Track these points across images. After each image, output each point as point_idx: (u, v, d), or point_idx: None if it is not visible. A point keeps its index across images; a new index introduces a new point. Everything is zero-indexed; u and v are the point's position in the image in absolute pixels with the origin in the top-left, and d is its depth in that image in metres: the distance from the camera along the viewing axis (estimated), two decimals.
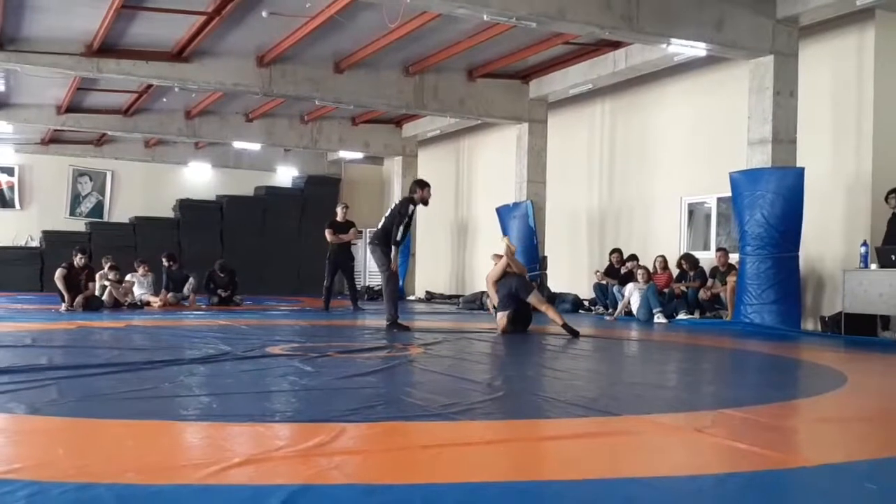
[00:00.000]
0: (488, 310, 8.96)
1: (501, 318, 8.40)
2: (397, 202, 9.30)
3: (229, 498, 2.43)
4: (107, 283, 12.20)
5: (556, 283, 14.06)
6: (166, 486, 2.53)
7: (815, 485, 2.77)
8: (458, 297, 16.84)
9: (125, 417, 3.64)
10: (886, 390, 5.42)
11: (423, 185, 9.15)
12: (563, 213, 15.00)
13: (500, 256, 8.80)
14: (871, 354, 7.45)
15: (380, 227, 9.10)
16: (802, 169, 9.58)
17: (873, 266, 8.83)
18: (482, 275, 16.88)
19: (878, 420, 4.15)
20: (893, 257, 8.54)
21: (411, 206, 8.87)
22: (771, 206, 9.56)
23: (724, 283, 10.84)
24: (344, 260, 12.50)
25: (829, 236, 10.36)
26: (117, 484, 2.50)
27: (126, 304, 12.31)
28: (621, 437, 3.47)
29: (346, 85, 13.66)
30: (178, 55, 12.37)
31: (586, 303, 13.61)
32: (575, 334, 8.05)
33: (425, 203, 9.06)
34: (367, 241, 9.55)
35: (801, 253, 9.75)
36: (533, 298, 8.45)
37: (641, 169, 13.67)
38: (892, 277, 8.51)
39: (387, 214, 9.13)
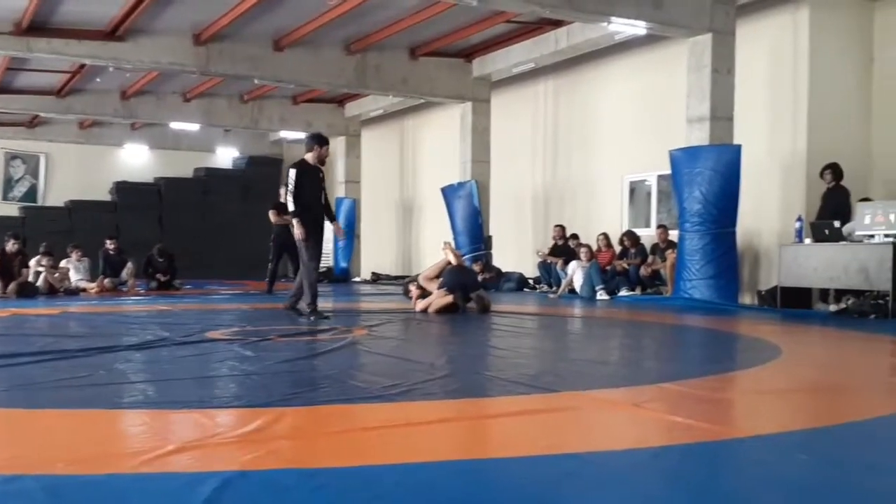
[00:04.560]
0: (410, 298, 9.10)
1: (442, 295, 8.45)
2: None
3: (162, 486, 2.38)
4: (41, 269, 11.87)
5: (501, 263, 14.12)
6: (98, 475, 2.47)
7: (748, 456, 2.83)
8: (404, 277, 16.79)
9: (58, 406, 3.55)
10: (820, 362, 5.57)
11: (320, 141, 7.90)
12: (508, 192, 15.04)
13: (452, 250, 9.22)
14: (805, 327, 7.65)
15: None
16: (739, 146, 9.75)
17: (808, 240, 9.05)
18: (428, 255, 16.93)
19: (811, 391, 4.25)
20: (827, 231, 8.75)
21: (292, 171, 7.74)
22: (709, 182, 9.72)
23: (665, 260, 11.01)
24: (289, 241, 12.31)
25: (765, 212, 10.58)
26: (46, 475, 2.43)
27: (62, 290, 12.00)
28: (561, 413, 3.50)
29: (286, 63, 13.45)
30: (112, 34, 12.02)
31: (531, 281, 13.71)
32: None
33: (321, 162, 7.89)
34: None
35: (739, 229, 9.94)
36: (477, 299, 8.60)
37: (584, 148, 13.76)
38: (825, 251, 8.73)
39: None
